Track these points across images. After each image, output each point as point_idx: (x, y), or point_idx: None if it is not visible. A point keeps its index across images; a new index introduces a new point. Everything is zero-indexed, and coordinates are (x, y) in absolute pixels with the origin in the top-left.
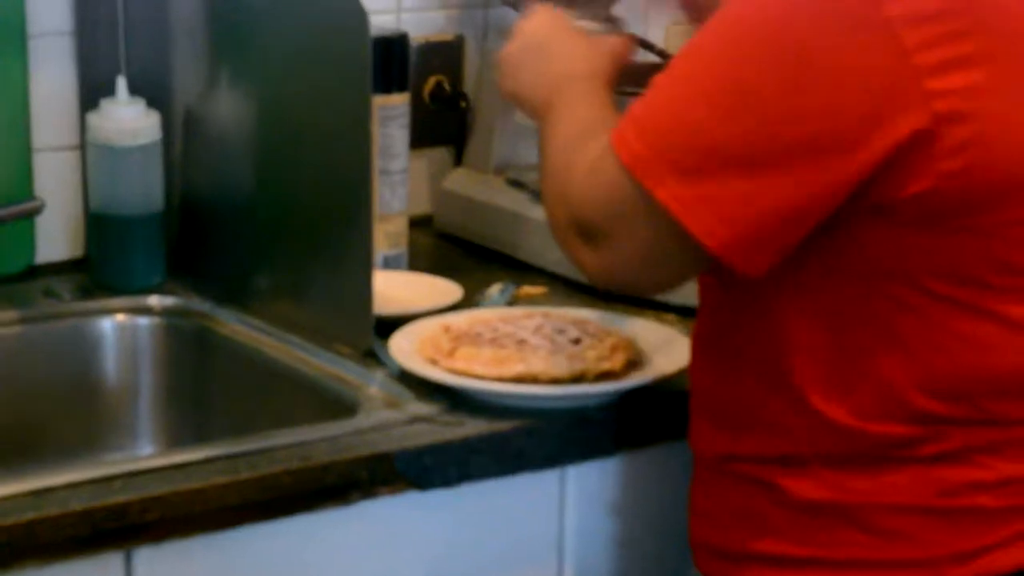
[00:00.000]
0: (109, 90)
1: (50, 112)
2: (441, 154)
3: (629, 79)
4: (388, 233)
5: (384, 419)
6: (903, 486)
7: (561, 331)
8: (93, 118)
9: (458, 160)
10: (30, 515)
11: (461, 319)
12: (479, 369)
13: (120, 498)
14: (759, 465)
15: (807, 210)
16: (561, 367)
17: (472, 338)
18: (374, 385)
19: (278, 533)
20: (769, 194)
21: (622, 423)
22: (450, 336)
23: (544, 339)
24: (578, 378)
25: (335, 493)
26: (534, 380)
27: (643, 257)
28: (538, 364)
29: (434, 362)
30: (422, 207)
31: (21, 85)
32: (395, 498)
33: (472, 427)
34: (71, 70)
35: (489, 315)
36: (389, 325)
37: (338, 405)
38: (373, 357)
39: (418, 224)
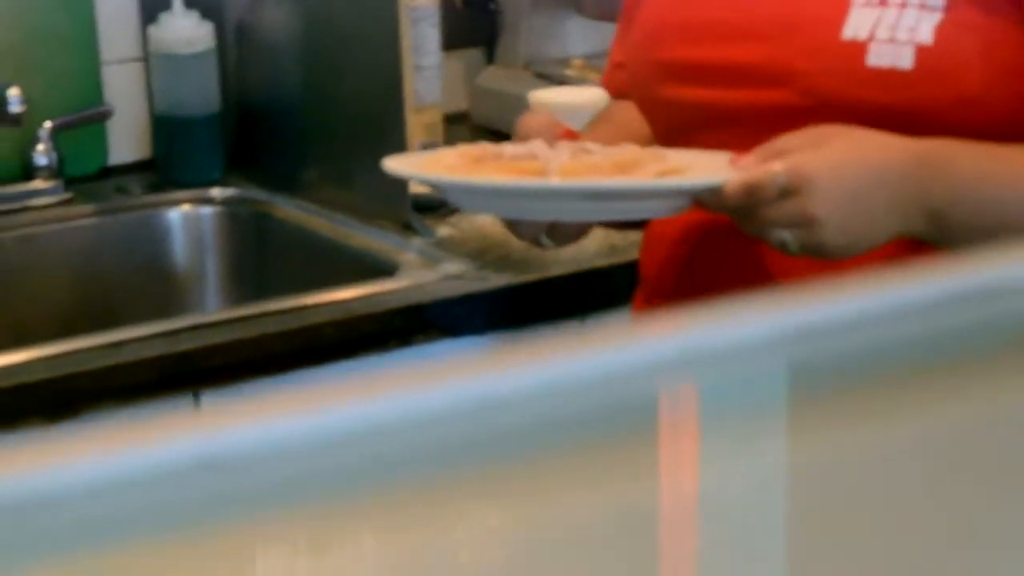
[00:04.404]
0: (166, 5)
1: (115, 28)
2: (475, 54)
3: None
4: (424, 124)
5: (419, 278)
6: None
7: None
8: (153, 30)
9: (490, 59)
10: (109, 362)
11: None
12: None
13: (187, 346)
14: None
15: None
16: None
17: (496, 155)
18: (411, 252)
19: (325, 378)
20: None
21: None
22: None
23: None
24: None
25: (374, 341)
26: None
27: None
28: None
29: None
30: (459, 104)
31: (88, 5)
32: (429, 346)
33: (496, 281)
34: None
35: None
36: (425, 204)
37: (378, 270)
38: (410, 229)
39: (456, 120)
